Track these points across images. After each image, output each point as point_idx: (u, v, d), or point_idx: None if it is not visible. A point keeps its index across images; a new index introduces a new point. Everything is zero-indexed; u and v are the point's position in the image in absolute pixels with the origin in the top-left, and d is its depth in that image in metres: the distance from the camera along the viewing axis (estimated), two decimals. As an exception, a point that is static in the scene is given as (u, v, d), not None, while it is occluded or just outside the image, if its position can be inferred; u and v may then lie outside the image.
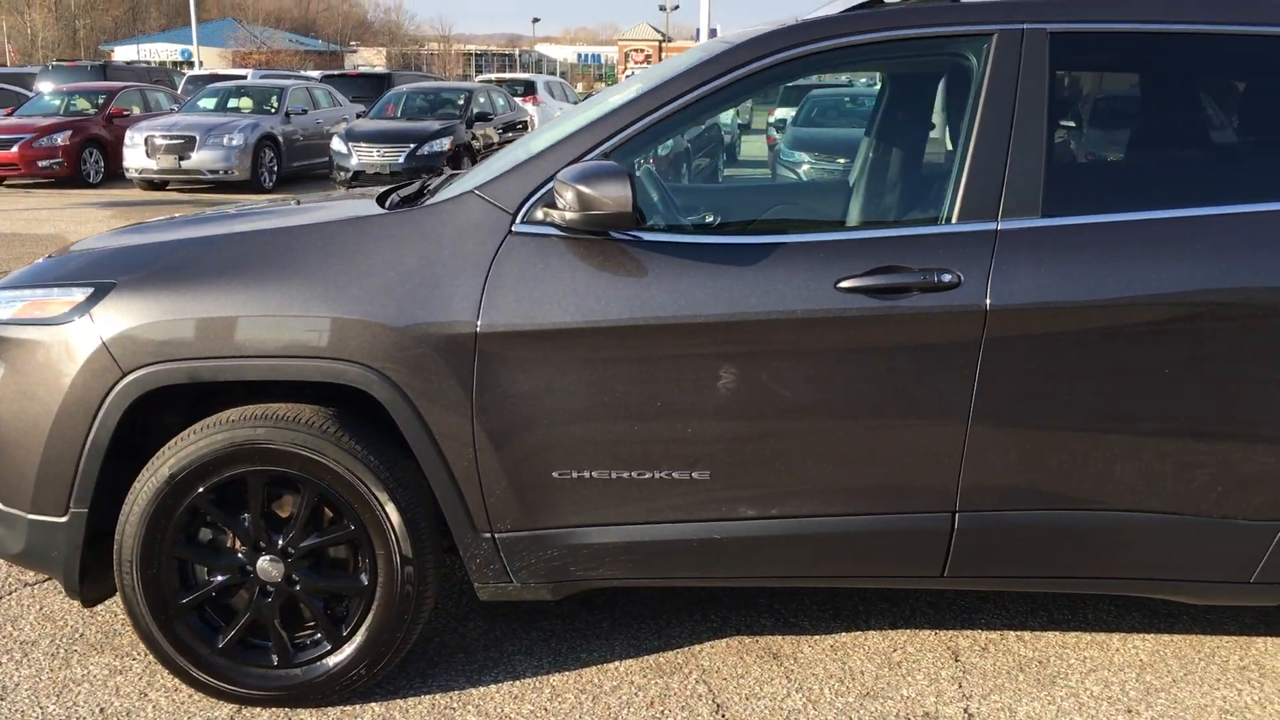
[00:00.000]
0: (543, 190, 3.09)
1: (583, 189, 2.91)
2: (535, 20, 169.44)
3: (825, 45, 3.18)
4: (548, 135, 3.43)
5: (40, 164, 18.58)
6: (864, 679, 3.46)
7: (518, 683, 3.42)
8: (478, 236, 3.08)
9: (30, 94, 22.25)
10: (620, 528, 3.16)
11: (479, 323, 3.01)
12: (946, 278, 2.99)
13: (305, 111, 20.07)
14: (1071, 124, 3.42)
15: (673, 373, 3.04)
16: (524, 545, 3.17)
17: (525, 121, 20.49)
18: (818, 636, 3.71)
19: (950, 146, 3.27)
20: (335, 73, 29.29)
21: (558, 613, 3.86)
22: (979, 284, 2.99)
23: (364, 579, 3.19)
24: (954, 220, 3.07)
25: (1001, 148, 3.08)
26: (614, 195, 2.89)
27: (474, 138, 18.20)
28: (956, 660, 3.57)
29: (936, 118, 3.99)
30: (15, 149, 18.52)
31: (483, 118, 19.02)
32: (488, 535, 3.16)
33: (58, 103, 20.58)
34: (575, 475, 3.11)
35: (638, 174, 3.39)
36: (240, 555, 3.21)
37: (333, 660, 3.23)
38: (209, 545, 3.24)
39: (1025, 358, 3.02)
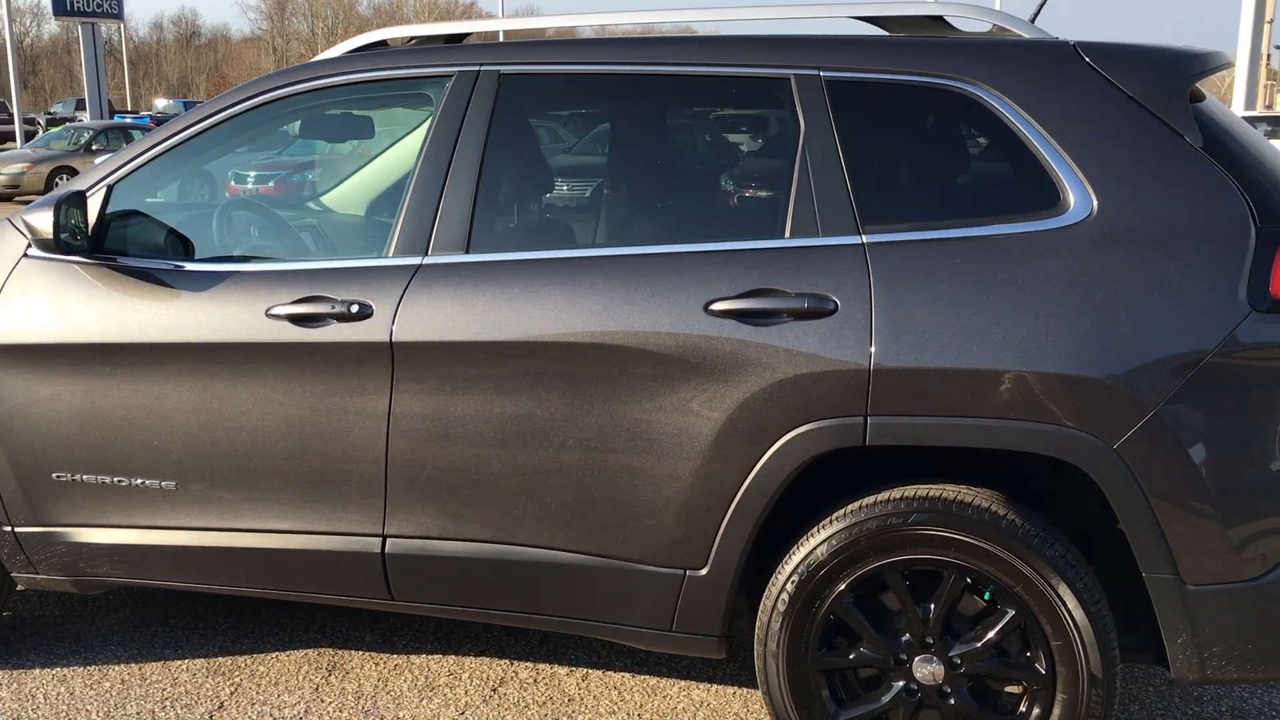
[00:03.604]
0: (54, 217, 3.41)
1: (25, 218, 3.23)
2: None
3: (315, 84, 3.35)
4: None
5: (291, 197, 20.68)
6: (391, 696, 3.54)
7: (83, 669, 3.71)
8: (1, 259, 3.44)
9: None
10: (110, 530, 3.41)
11: None
12: (355, 309, 3.08)
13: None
14: (511, 163, 3.37)
15: (139, 388, 3.28)
16: (37, 540, 3.48)
17: None
18: (396, 656, 3.79)
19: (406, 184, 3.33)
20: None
21: (200, 613, 4.12)
22: (387, 317, 3.06)
23: (-73, 564, 3.61)
24: (390, 254, 3.15)
25: (438, 184, 3.13)
26: (41, 224, 3.19)
27: None
28: (495, 691, 3.58)
29: (404, 156, 4.01)
30: (272, 184, 20.64)
31: None
32: (8, 529, 3.49)
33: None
34: (70, 478, 3.40)
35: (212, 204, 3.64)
36: None
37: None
38: None
39: (429, 391, 3.05)
